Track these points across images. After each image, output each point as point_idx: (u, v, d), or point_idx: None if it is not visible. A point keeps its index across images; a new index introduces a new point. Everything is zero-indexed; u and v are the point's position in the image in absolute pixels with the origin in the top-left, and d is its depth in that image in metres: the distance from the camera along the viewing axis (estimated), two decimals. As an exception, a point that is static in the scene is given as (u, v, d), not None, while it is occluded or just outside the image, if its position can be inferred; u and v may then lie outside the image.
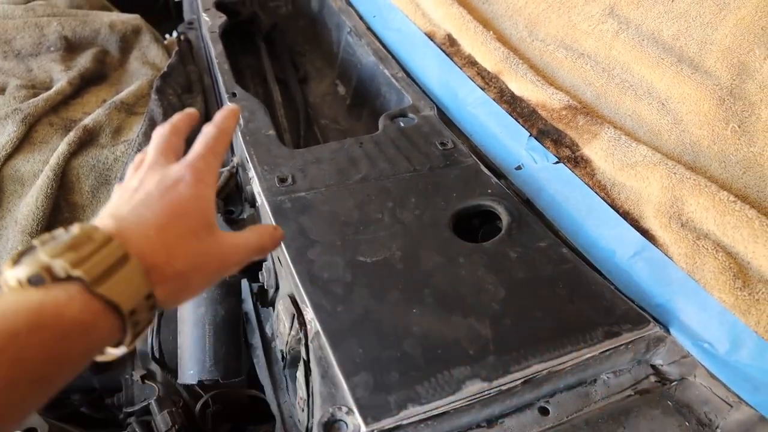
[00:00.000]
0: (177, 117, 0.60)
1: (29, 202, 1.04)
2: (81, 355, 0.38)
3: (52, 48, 1.35)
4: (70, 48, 1.38)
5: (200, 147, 0.55)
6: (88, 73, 1.31)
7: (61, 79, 1.25)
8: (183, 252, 0.46)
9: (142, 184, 0.50)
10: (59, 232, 0.42)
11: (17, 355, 0.34)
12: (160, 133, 0.57)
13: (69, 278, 0.38)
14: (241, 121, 0.94)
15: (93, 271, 0.39)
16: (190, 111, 0.62)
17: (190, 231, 0.48)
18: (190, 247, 0.47)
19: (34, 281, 0.38)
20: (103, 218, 0.46)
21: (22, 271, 0.38)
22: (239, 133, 0.92)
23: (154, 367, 0.99)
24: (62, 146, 1.07)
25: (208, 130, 0.57)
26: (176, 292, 0.46)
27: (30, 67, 1.32)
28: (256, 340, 0.98)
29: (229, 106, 0.62)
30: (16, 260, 0.39)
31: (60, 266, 0.38)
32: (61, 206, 1.09)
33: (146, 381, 0.98)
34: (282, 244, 0.74)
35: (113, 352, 0.42)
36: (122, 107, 1.20)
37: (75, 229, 0.41)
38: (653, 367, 0.73)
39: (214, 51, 1.16)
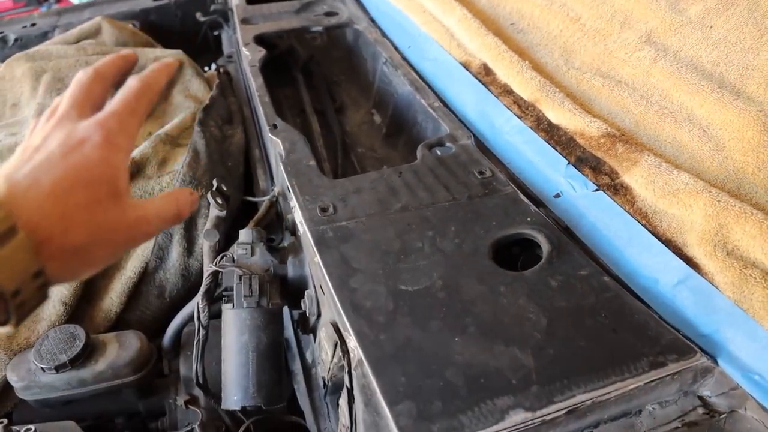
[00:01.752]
0: (104, 60, 0.52)
1: (80, 232, 1.08)
2: None
3: (101, 84, 1.41)
4: (118, 84, 1.44)
5: (117, 103, 0.48)
6: (135, 106, 1.36)
7: (110, 113, 1.30)
8: (83, 224, 0.41)
9: (45, 142, 0.44)
10: None
11: None
12: (79, 78, 0.49)
13: None
14: (282, 152, 0.96)
15: None
16: (124, 52, 0.54)
17: (93, 200, 0.42)
18: (92, 219, 0.42)
19: None
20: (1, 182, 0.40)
21: None
22: (281, 165, 0.94)
23: (198, 392, 1.01)
24: (111, 178, 1.12)
25: (130, 84, 0.50)
26: (74, 268, 0.42)
27: (81, 102, 1.37)
28: (297, 367, 0.99)
29: (164, 62, 0.55)
30: None
31: None
32: (109, 236, 1.13)
33: (190, 406, 1.00)
34: (325, 273, 0.75)
35: None
36: (167, 139, 1.24)
37: None
38: (701, 398, 0.71)
39: (255, 84, 1.19)
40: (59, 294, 1.06)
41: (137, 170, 1.17)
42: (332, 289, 0.73)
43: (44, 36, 1.94)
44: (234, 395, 0.84)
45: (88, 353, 0.98)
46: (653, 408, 0.70)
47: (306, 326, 0.94)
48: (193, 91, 1.48)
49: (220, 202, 0.96)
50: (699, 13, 0.89)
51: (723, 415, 0.68)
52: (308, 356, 0.98)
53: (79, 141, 0.44)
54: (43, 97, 1.39)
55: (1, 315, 0.37)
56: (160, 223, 0.48)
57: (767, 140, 0.74)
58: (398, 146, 1.30)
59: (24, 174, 0.41)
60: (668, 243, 0.77)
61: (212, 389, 0.96)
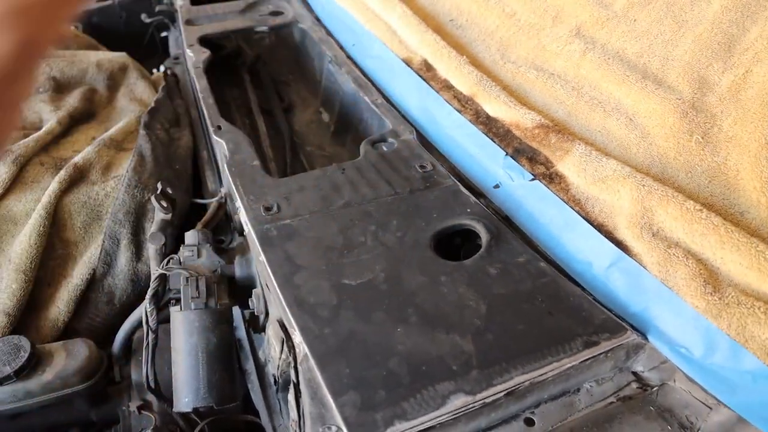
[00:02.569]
0: None
1: (22, 241, 1.06)
2: None
3: (41, 89, 1.39)
4: (59, 88, 1.41)
5: None
6: (77, 112, 1.34)
7: (51, 119, 1.28)
8: None
9: None
10: None
11: None
12: None
13: None
14: (227, 153, 0.97)
15: None
16: None
17: None
18: None
19: None
20: None
21: None
22: (225, 165, 0.95)
23: (151, 397, 1.01)
24: (53, 185, 1.10)
25: None
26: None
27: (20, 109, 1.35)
28: (250, 366, 0.99)
29: None
30: None
31: None
32: (55, 244, 1.11)
33: (143, 411, 1.00)
34: (269, 270, 0.76)
35: None
36: (111, 144, 1.23)
37: None
38: (634, 374, 0.75)
39: (199, 86, 1.19)
40: (1, 305, 1.04)
41: (80, 176, 1.15)
42: (277, 287, 0.74)
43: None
44: (185, 397, 0.84)
45: (33, 364, 0.96)
46: (590, 386, 0.73)
47: (257, 325, 0.94)
48: (138, 94, 1.46)
49: (165, 205, 0.96)
50: (623, 7, 0.93)
51: (654, 388, 0.72)
52: (261, 355, 0.99)
53: None
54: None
55: None
56: None
57: (686, 126, 0.78)
58: (346, 143, 1.32)
59: None
60: (600, 227, 0.80)
61: (165, 393, 0.95)
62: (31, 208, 1.09)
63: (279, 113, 1.39)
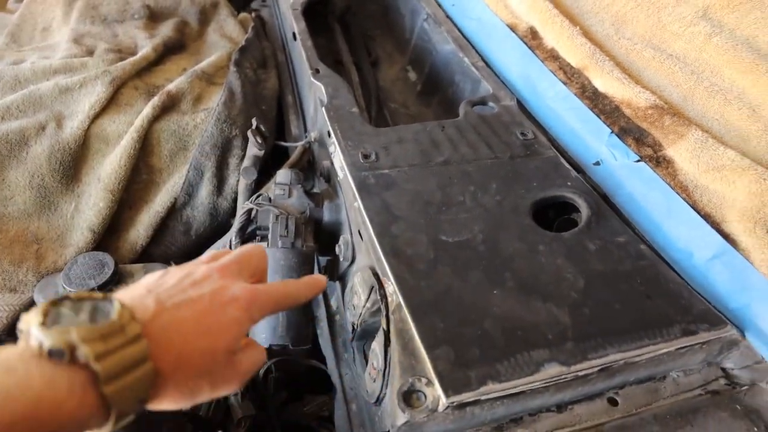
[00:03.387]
0: (294, 284, 0.56)
1: (113, 161, 1.08)
2: None
3: (136, 15, 1.40)
4: (153, 16, 1.43)
5: (274, 288, 0.53)
6: (170, 41, 1.35)
7: (146, 46, 1.29)
8: (193, 370, 0.44)
9: (204, 282, 0.48)
10: (99, 302, 0.40)
11: None
12: (257, 254, 0.55)
13: (82, 364, 0.37)
14: (325, 97, 0.96)
15: (110, 368, 0.37)
16: (315, 280, 0.58)
17: (212, 351, 0.45)
18: (201, 367, 0.45)
19: (54, 355, 0.37)
20: (147, 298, 0.44)
21: (48, 339, 0.37)
22: (322, 109, 0.94)
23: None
24: (146, 110, 1.12)
25: (291, 285, 0.55)
26: (170, 400, 0.44)
27: (116, 33, 1.37)
28: (321, 313, 1.00)
29: (317, 279, 0.59)
30: (46, 314, 0.38)
31: (84, 354, 0.37)
32: (140, 168, 1.13)
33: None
34: (366, 217, 0.76)
35: None
36: (203, 76, 1.24)
37: (114, 312, 0.40)
38: (723, 370, 0.73)
39: (297, 27, 1.18)
40: (87, 221, 1.07)
41: (172, 104, 1.16)
42: (373, 234, 0.74)
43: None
44: (262, 333, 0.86)
45: (116, 281, 0.99)
46: (677, 375, 0.72)
47: (334, 273, 0.95)
48: (227, 31, 1.47)
49: (259, 140, 0.96)
50: (760, -8, 0.88)
51: (744, 387, 0.70)
52: (333, 303, 1.00)
53: (230, 298, 0.48)
54: (76, 23, 1.38)
55: (103, 427, 0.39)
56: (248, 376, 0.51)
57: (820, 123, 0.74)
58: (432, 104, 1.30)
59: (173, 304, 0.44)
60: (707, 217, 0.77)
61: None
62: (123, 131, 1.11)
63: (366, 67, 1.38)
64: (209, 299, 0.47)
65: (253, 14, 1.65)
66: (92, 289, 0.96)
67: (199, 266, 0.51)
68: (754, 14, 0.86)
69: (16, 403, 0.34)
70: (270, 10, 1.66)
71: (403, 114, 1.28)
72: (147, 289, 0.46)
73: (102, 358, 0.37)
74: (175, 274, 0.48)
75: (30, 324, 0.38)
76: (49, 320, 0.38)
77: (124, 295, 0.44)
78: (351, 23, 1.54)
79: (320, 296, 1.02)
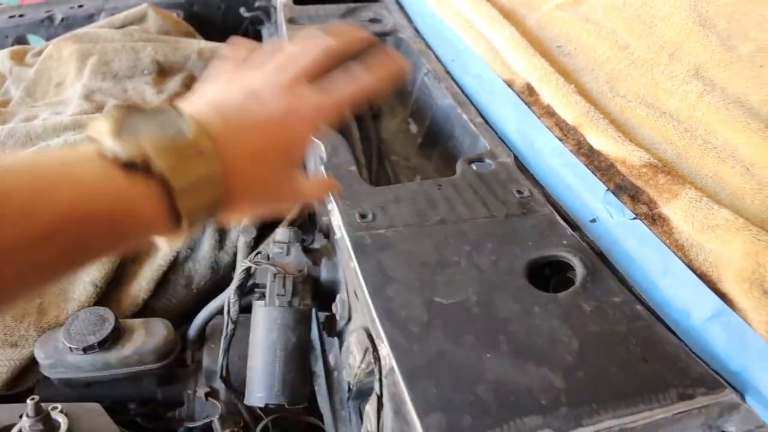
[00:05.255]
0: (345, 39, 0.51)
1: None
2: (131, 246, 0.41)
3: (146, 71, 1.44)
4: (162, 72, 1.47)
5: (344, 96, 0.49)
6: (178, 96, 1.39)
7: (154, 101, 1.33)
8: (261, 190, 0.45)
9: (269, 102, 0.46)
10: (174, 114, 0.40)
11: (78, 240, 0.35)
12: (323, 47, 0.49)
13: (157, 177, 0.37)
14: (324, 155, 0.98)
15: (184, 184, 0.37)
16: (366, 36, 0.53)
17: (280, 168, 0.46)
18: (269, 186, 0.46)
19: (128, 166, 0.36)
20: (212, 115, 0.42)
21: (122, 149, 0.36)
22: (321, 168, 0.96)
23: (218, 385, 1.03)
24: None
25: (365, 80, 0.50)
26: (231, 216, 0.46)
27: (126, 88, 1.41)
28: (319, 368, 1.00)
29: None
30: (119, 123, 0.37)
31: (159, 167, 0.36)
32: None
33: (209, 398, 1.02)
34: (361, 278, 0.76)
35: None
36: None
37: (190, 129, 0.38)
38: (725, 433, 0.72)
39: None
40: (90, 276, 1.09)
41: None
42: (368, 296, 0.74)
43: (90, 18, 1.97)
44: (258, 392, 0.85)
45: (115, 337, 1.00)
46: (677, 440, 0.70)
47: (332, 329, 0.95)
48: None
49: (259, 199, 0.97)
50: (750, 52, 0.89)
51: (746, 453, 0.69)
52: (331, 359, 0.99)
53: (297, 119, 0.46)
54: (89, 79, 1.42)
55: (171, 229, 0.39)
56: (307, 199, 0.54)
57: (813, 184, 0.74)
58: (432, 157, 1.31)
59: (240, 126, 0.43)
60: (703, 277, 0.77)
61: (233, 384, 0.97)
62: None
63: (368, 119, 1.40)
64: (280, 118, 0.45)
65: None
66: (91, 345, 0.97)
67: (260, 78, 0.47)
68: (744, 73, 0.87)
69: (94, 199, 0.34)
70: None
71: (404, 167, 1.29)
72: (212, 104, 0.44)
73: (177, 174, 0.37)
74: (235, 87, 0.47)
75: (102, 132, 0.37)
76: (123, 129, 0.37)
77: (189, 107, 0.42)
78: (354, 76, 1.58)
79: (318, 351, 1.02)
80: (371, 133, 1.37)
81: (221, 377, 0.95)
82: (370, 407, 0.71)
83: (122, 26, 1.74)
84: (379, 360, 0.71)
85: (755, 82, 0.86)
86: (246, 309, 0.96)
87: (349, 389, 0.83)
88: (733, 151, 0.84)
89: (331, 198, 0.90)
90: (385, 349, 0.70)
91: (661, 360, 0.70)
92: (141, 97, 1.37)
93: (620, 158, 0.88)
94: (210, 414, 1.00)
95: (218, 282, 1.17)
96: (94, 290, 1.08)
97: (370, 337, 0.74)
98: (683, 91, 0.91)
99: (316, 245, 1.03)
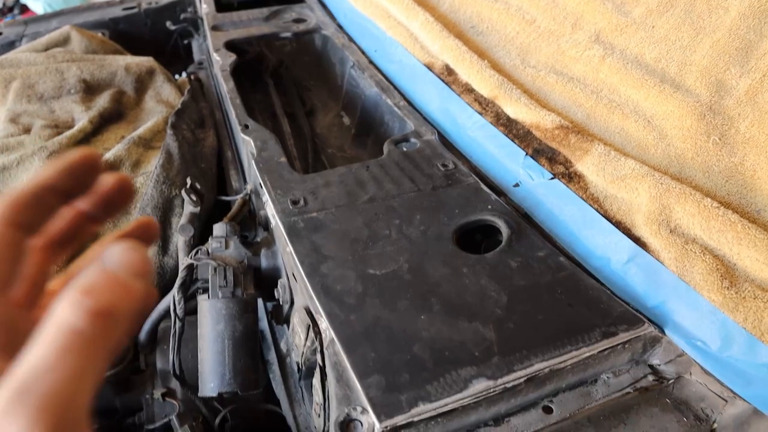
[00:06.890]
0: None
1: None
2: None
3: (72, 90, 1.43)
4: (89, 90, 1.46)
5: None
6: (107, 112, 1.39)
7: (82, 119, 1.32)
8: None
9: None
10: None
11: None
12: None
13: None
14: (254, 150, 1.00)
15: None
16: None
17: None
18: None
19: None
20: None
21: None
22: (253, 162, 0.98)
23: (174, 384, 1.03)
24: (85, 180, 1.14)
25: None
26: None
27: (53, 109, 1.39)
28: (272, 357, 1.02)
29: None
30: None
31: None
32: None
33: (167, 398, 1.02)
34: (297, 260, 0.79)
35: None
36: (140, 142, 1.27)
37: None
38: (651, 366, 0.77)
39: (226, 87, 1.23)
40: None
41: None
42: (304, 276, 0.77)
43: (11, 45, 1.93)
44: (210, 382, 0.87)
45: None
46: (608, 377, 0.75)
47: (280, 317, 0.97)
48: (164, 97, 1.50)
49: (194, 198, 0.99)
50: (642, 15, 0.95)
51: (671, 381, 0.74)
52: (282, 346, 1.01)
53: None
54: (13, 102, 1.40)
55: None
56: None
57: (704, 128, 0.81)
58: (367, 145, 1.35)
59: None
60: (618, 224, 0.82)
61: (188, 381, 0.98)
62: (62, 202, 1.13)
63: (301, 116, 1.43)
64: None
65: (192, 76, 1.70)
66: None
67: None
68: (639, 35, 0.93)
69: None
70: (206, 72, 1.71)
71: (340, 157, 1.33)
72: None
73: None
74: None
75: None
76: None
77: None
78: (285, 76, 1.60)
79: (270, 340, 1.04)
80: (305, 129, 1.39)
81: (174, 375, 0.96)
82: (315, 380, 0.74)
83: (45, 49, 1.72)
84: (320, 334, 0.74)
85: (649, 42, 0.92)
86: (195, 311, 0.97)
87: (299, 369, 0.85)
88: (635, 106, 0.90)
89: (264, 189, 0.92)
90: (324, 323, 0.72)
91: (584, 304, 0.75)
92: (69, 116, 1.36)
93: (535, 124, 0.93)
94: (168, 413, 1.01)
95: (166, 286, 1.17)
96: (38, 309, 1.07)
97: (310, 314, 0.76)
98: (587, 56, 0.97)
99: (258, 239, 1.05)
